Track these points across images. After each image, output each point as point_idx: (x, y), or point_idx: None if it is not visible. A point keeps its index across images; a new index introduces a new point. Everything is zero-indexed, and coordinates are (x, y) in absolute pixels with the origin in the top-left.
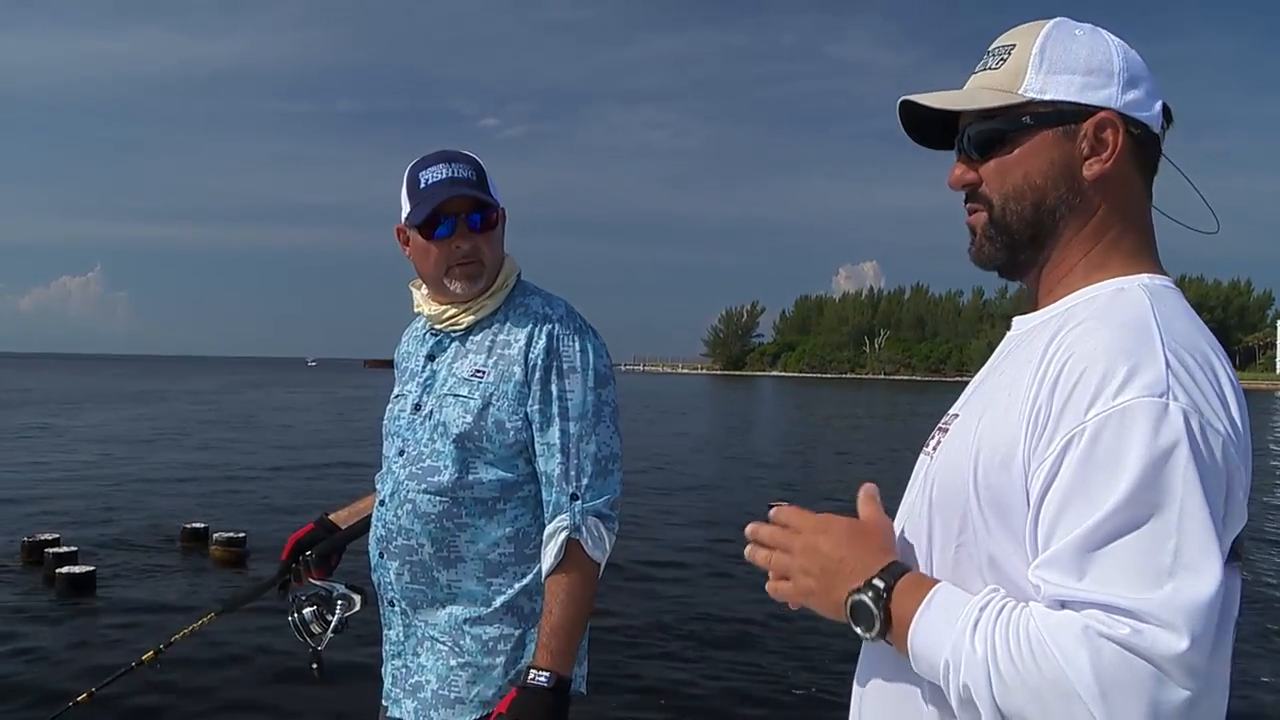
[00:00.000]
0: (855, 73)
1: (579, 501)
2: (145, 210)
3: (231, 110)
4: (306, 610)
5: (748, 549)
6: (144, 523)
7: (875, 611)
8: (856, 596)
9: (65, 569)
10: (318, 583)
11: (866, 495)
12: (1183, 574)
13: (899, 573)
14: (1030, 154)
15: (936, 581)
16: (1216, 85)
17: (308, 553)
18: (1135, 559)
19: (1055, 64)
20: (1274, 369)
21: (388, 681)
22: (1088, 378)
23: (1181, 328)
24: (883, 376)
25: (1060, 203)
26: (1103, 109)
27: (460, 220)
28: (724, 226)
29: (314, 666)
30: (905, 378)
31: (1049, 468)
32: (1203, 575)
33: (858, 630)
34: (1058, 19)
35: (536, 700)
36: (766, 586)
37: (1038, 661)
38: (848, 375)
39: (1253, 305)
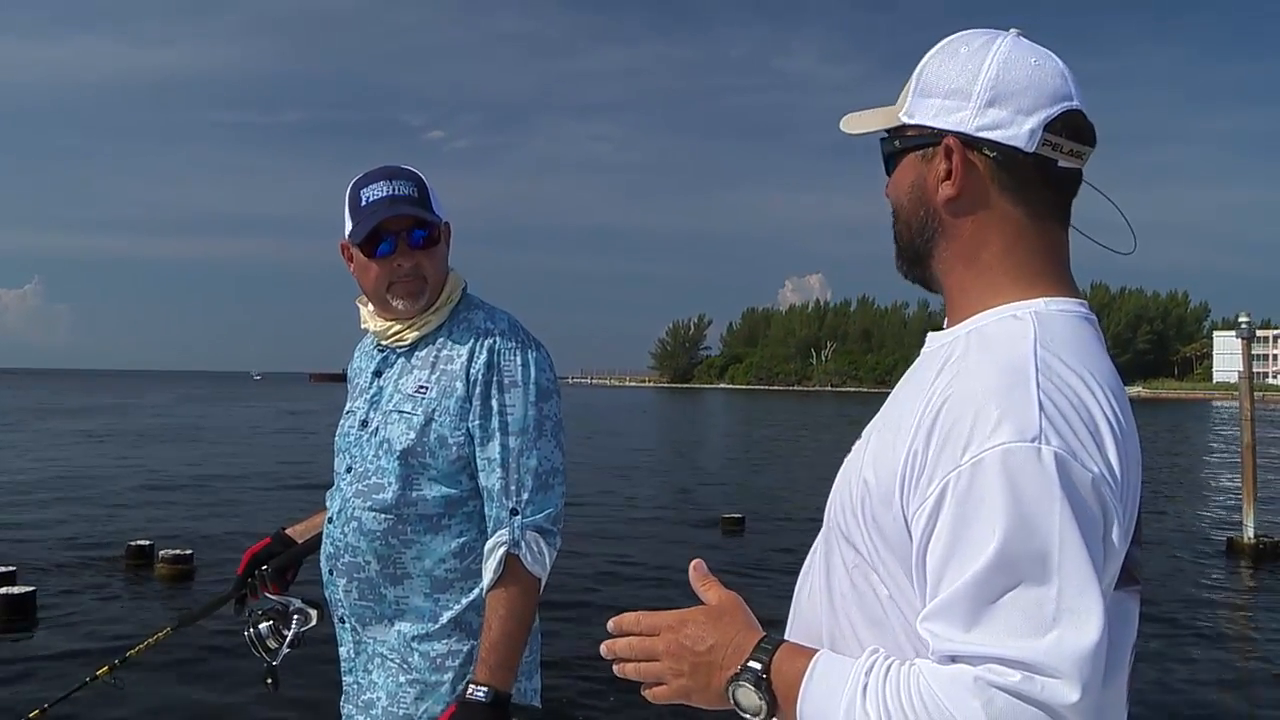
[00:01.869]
0: (802, 86)
1: (519, 516)
2: (87, 221)
3: (175, 120)
4: (262, 625)
5: (615, 668)
6: (86, 541)
7: (758, 695)
8: (736, 684)
9: (3, 590)
10: (274, 597)
11: (699, 576)
12: (1067, 619)
13: (772, 647)
14: (900, 177)
15: (813, 650)
16: (1155, 97)
17: (264, 567)
18: (1019, 608)
19: (925, 87)
20: (1210, 379)
21: (342, 697)
22: (961, 423)
23: (1062, 365)
24: (830, 388)
25: (923, 225)
26: (950, 133)
27: (401, 238)
28: (671, 239)
29: (269, 681)
30: (852, 389)
31: (929, 511)
32: (1087, 620)
33: (745, 716)
34: (954, 36)
35: (474, 716)
36: (644, 694)
37: (932, 716)
38: (795, 388)
39: (1189, 316)
